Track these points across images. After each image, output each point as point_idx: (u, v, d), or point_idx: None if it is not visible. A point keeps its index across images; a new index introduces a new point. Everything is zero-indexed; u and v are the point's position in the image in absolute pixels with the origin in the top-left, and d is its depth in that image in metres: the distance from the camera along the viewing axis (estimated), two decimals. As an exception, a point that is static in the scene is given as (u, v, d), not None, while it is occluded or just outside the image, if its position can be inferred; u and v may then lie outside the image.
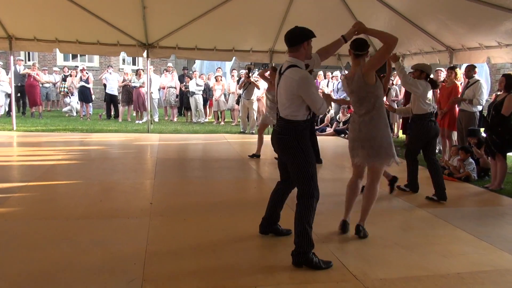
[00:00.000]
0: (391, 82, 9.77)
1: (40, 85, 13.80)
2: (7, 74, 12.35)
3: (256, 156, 7.33)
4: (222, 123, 13.25)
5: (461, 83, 7.66)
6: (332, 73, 14.04)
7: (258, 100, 11.84)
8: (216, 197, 4.99)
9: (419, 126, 5.13)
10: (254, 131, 11.18)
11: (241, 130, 11.35)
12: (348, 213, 3.92)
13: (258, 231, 3.70)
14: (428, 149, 5.18)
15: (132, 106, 13.15)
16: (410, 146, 5.38)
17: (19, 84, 13.03)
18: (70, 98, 14.22)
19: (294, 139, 3.18)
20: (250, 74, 10.99)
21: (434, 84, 5.12)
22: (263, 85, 12.39)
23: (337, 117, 11.51)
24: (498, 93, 6.09)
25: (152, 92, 12.47)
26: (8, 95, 12.46)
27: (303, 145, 3.18)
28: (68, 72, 14.60)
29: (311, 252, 3.15)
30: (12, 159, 6.94)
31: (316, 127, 11.44)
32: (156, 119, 13.21)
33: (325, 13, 8.46)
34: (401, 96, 10.10)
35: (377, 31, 3.45)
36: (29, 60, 17.72)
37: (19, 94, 13.30)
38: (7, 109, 12.86)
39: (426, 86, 5.01)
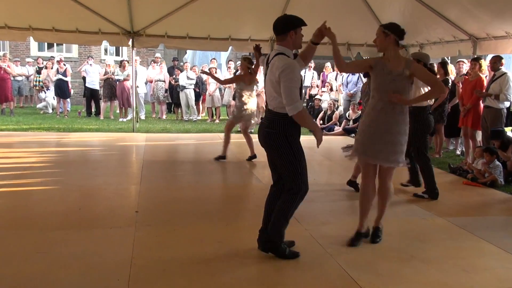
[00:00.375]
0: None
1: (12, 79, 13.80)
2: (-25, 66, 12.36)
3: (252, 158, 7.32)
4: (217, 121, 13.27)
5: (486, 76, 7.68)
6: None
7: (258, 95, 11.82)
8: (210, 205, 4.99)
9: (421, 119, 5.28)
10: (253, 130, 11.19)
11: (239, 130, 11.35)
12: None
13: (257, 247, 3.67)
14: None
15: (116, 102, 13.16)
16: (418, 144, 5.39)
17: (-12, 77, 13.04)
18: (45, 93, 14.22)
19: (282, 134, 3.30)
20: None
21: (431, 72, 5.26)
22: (262, 78, 12.40)
23: (347, 114, 11.52)
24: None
25: (138, 86, 12.48)
26: (-24, 90, 12.45)
27: (291, 140, 3.32)
28: (43, 63, 14.60)
29: (281, 242, 3.47)
30: (-20, 161, 6.94)
31: (323, 126, 11.47)
32: (143, 117, 13.22)
33: (333, -3, 8.49)
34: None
35: (335, 48, 3.73)
36: (-1, 50, 17.72)
37: (-13, 89, 13.32)
38: (-26, 106, 12.85)
39: None
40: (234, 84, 12.37)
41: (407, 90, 3.79)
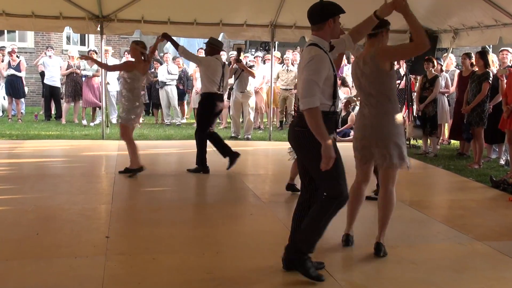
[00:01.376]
0: (439, 67, 9.84)
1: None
2: None
3: (135, 171, 7.12)
4: (206, 125, 13.28)
5: (535, 69, 7.74)
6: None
7: (256, 93, 11.91)
8: (197, 228, 5.02)
9: None
10: (249, 136, 11.24)
11: (232, 135, 11.41)
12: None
13: (282, 267, 3.80)
14: None
15: (81, 102, 13.18)
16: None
17: None
18: (-6, 91, 14.26)
19: (312, 133, 3.47)
20: (241, 58, 10.99)
21: None
22: (261, 72, 12.44)
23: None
24: None
25: (108, 83, 12.50)
26: None
27: None
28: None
29: (306, 255, 3.67)
30: None
31: (337, 130, 11.51)
32: (114, 121, 13.25)
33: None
34: (453, 88, 10.17)
35: (416, 22, 3.87)
36: None
37: None
38: None
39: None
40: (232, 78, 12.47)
41: None
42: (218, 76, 7.26)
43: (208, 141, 7.47)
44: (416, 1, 9.50)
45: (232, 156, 7.46)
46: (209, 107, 7.36)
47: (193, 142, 10.42)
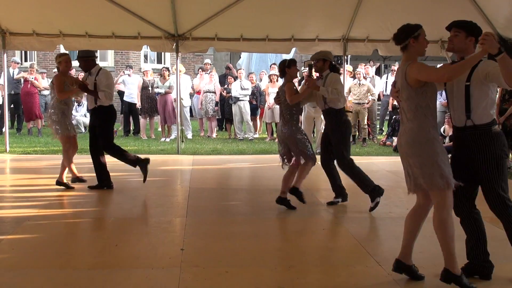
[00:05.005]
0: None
1: (39, 93, 14.36)
2: (-2, 79, 13.06)
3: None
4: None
5: None
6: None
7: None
8: (270, 242, 5.04)
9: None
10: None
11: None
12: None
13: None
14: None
15: (158, 118, 13.55)
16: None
17: (13, 92, 13.74)
18: (76, 109, 14.91)
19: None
20: (314, 73, 10.93)
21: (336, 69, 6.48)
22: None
23: (441, 129, 11.25)
24: None
25: (182, 99, 12.80)
26: None
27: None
28: (74, 74, 15.30)
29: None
30: (4, 189, 7.40)
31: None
32: (189, 136, 13.54)
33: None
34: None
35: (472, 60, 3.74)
36: (25, 60, 18.82)
37: (12, 105, 14.06)
38: (-2, 125, 13.56)
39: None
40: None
41: None
42: (113, 88, 7.10)
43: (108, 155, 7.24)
44: (496, 10, 9.21)
45: (142, 164, 7.18)
46: (111, 119, 7.16)
47: (265, 156, 10.53)
